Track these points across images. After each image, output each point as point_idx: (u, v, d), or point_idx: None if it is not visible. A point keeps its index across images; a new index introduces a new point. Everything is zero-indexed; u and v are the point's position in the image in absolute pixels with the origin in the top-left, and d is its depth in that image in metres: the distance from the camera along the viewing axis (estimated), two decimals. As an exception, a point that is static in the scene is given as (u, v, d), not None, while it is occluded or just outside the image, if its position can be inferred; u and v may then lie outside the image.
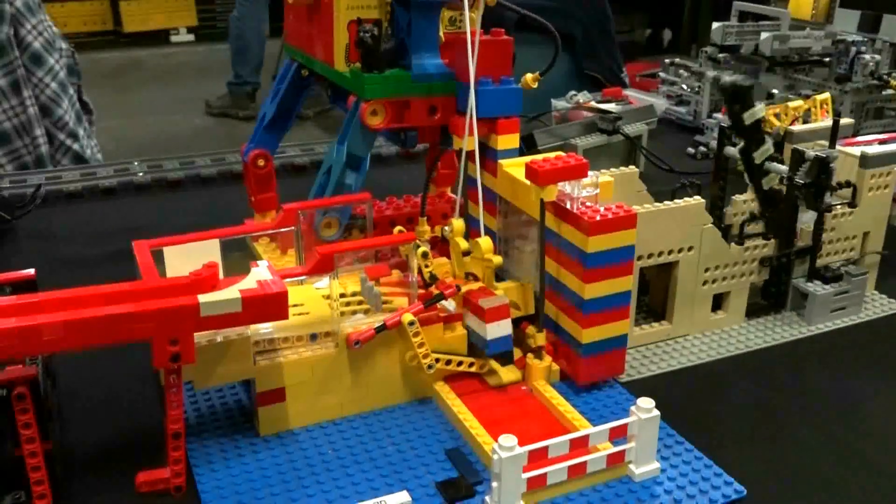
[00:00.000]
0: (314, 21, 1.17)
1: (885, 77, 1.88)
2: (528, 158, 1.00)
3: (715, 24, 1.91)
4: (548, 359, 1.00)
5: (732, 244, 1.11)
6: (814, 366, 1.09)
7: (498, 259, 0.98)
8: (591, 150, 1.63)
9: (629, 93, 2.11)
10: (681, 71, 2.09)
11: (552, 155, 0.98)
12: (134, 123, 5.58)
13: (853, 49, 1.88)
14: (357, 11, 1.09)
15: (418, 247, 0.97)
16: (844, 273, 1.18)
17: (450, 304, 0.98)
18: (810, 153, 1.10)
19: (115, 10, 7.28)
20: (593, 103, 2.02)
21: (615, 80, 3.65)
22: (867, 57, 1.85)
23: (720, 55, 1.96)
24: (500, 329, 0.96)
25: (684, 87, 2.06)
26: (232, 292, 0.78)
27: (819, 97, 1.67)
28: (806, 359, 1.11)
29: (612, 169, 1.17)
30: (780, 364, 1.09)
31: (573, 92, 2.03)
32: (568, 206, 0.94)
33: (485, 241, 0.97)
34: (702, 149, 1.86)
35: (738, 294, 1.14)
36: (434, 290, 0.95)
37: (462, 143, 1.03)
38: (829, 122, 1.31)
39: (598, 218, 0.92)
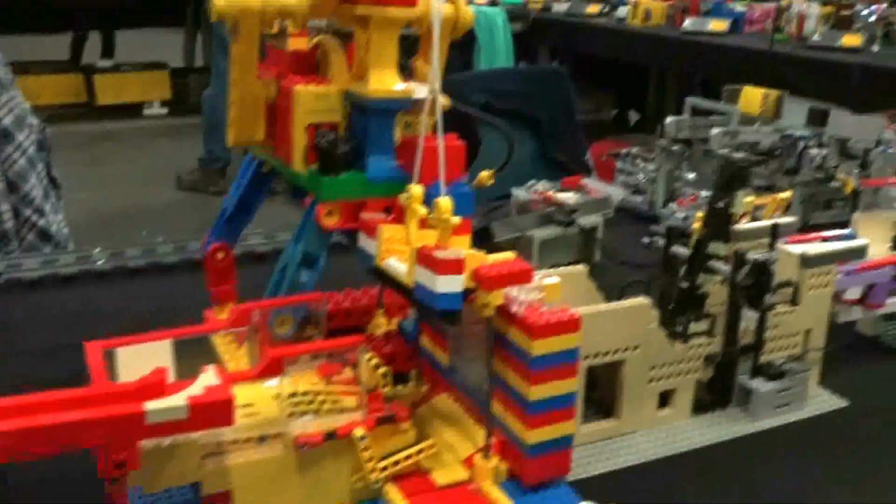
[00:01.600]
0: (273, 121, 1.21)
1: (831, 171, 1.95)
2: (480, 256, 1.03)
3: (669, 119, 1.98)
4: (495, 458, 1.01)
5: (677, 342, 1.15)
6: (759, 464, 1.12)
7: (455, 219, 0.96)
8: (547, 241, 1.67)
9: (588, 182, 2.16)
10: (637, 161, 2.16)
11: (501, 257, 1.01)
12: (105, 196, 5.59)
13: (800, 144, 1.95)
14: (316, 115, 1.12)
15: (366, 352, 0.99)
16: (787, 370, 1.21)
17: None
18: (750, 256, 1.14)
19: (89, 83, 7.35)
20: (552, 193, 2.08)
21: (579, 164, 3.75)
22: (814, 151, 1.93)
23: (674, 147, 2.03)
24: (451, 283, 0.91)
25: (640, 176, 2.12)
26: (178, 399, 0.79)
27: (781, 195, 1.72)
28: (751, 456, 1.13)
29: (560, 268, 1.20)
30: (726, 462, 1.12)
31: (533, 181, 2.09)
32: (513, 310, 0.97)
33: (444, 201, 0.95)
34: (656, 239, 1.90)
35: (684, 390, 1.17)
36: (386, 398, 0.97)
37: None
38: (785, 218, 1.37)
39: (542, 322, 0.95)
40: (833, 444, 1.16)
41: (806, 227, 2.01)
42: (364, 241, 1.04)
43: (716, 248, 1.18)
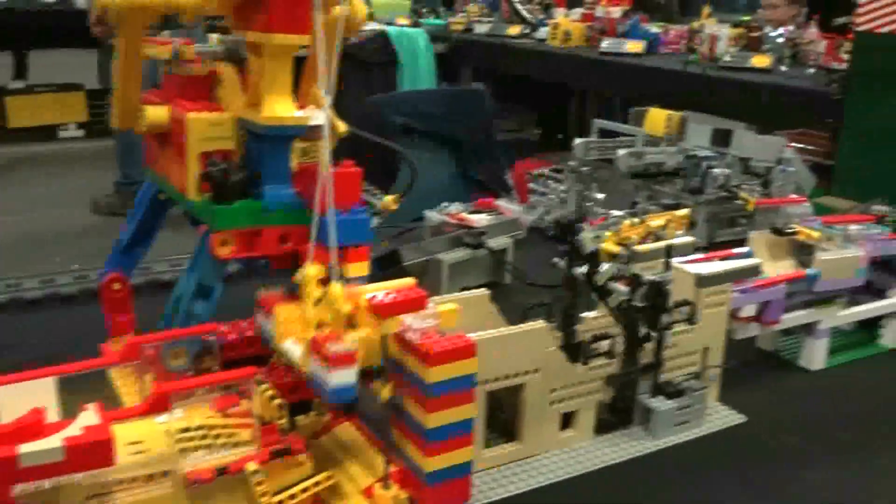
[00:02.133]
0: (169, 148, 1.18)
1: (733, 189, 2.00)
2: (378, 284, 1.02)
3: (577, 141, 2.01)
4: (394, 487, 1.00)
5: (577, 364, 1.16)
6: (660, 481, 1.13)
7: (347, 306, 0.96)
8: (456, 264, 1.68)
9: (501, 203, 2.18)
10: (548, 181, 2.18)
11: (397, 284, 1.01)
12: (18, 220, 5.41)
13: (704, 163, 2.00)
14: (209, 143, 1.11)
15: (261, 383, 0.98)
16: (686, 388, 1.23)
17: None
18: (646, 277, 1.16)
19: (1, 105, 7.12)
20: (465, 215, 2.08)
21: (499, 183, 3.78)
22: (717, 171, 1.98)
23: (583, 168, 2.06)
24: (343, 377, 0.90)
25: (552, 197, 2.14)
26: (53, 441, 0.76)
27: (679, 213, 1.76)
28: (652, 474, 1.15)
29: (462, 292, 1.20)
30: (628, 480, 1.13)
31: (445, 203, 2.09)
32: (408, 338, 0.96)
33: (335, 288, 0.95)
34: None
35: (586, 411, 1.18)
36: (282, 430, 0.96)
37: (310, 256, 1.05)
38: (675, 240, 1.40)
39: (437, 349, 0.94)
40: (731, 459, 1.19)
41: (711, 245, 2.06)
42: (262, 319, 1.03)
43: (606, 272, 1.19)
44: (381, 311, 0.94)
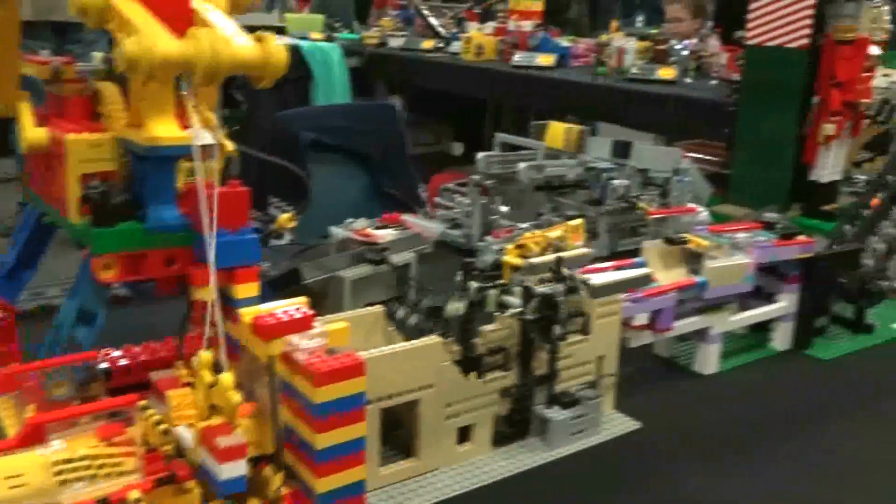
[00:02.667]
0: (50, 170, 1.15)
1: (632, 200, 2.05)
2: (269, 305, 1.01)
3: (479, 155, 2.03)
4: (287, 510, 0.99)
5: (473, 378, 1.16)
6: (556, 492, 1.15)
7: (237, 397, 0.96)
8: (359, 281, 1.67)
9: (407, 218, 2.18)
10: (454, 195, 2.19)
11: (282, 304, 1.00)
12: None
13: (604, 175, 2.04)
14: (90, 164, 1.08)
15: (146, 409, 0.95)
16: (581, 397, 1.25)
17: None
18: (537, 290, 1.17)
19: None
20: (370, 230, 2.08)
21: (412, 198, 3.78)
22: (616, 182, 2.02)
23: (487, 182, 2.07)
24: (234, 469, 0.92)
25: (457, 210, 2.15)
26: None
27: (573, 223, 1.79)
28: (549, 485, 1.16)
29: (357, 310, 1.20)
30: (526, 492, 1.14)
31: (350, 220, 2.08)
32: (296, 358, 0.96)
33: (226, 378, 0.95)
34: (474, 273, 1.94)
35: (482, 424, 1.19)
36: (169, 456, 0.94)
37: (199, 293, 1.03)
38: (570, 252, 1.42)
39: (324, 369, 0.94)
40: (626, 466, 1.21)
41: (614, 254, 2.10)
42: (155, 401, 1.02)
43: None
44: (266, 333, 0.93)
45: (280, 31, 6.42)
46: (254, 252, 1.09)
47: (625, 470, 1.21)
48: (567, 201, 2.13)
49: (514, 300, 1.20)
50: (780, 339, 1.59)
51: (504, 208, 2.11)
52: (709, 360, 1.48)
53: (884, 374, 1.55)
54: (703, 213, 2.27)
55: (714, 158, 2.59)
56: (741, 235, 1.50)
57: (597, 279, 1.27)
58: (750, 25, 2.27)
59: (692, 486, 1.18)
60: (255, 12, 7.14)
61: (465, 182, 2.23)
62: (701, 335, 1.48)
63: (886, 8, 2.12)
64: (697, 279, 1.41)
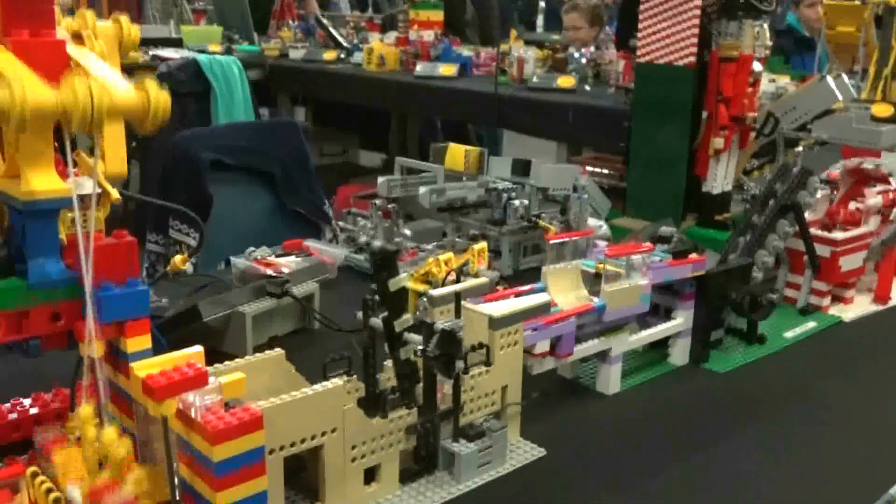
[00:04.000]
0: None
1: (533, 219, 2.08)
2: (162, 358, 0.99)
3: (380, 179, 2.03)
4: (188, 571, 0.97)
5: (377, 418, 1.16)
6: (462, 527, 1.15)
7: (122, 451, 0.94)
8: (261, 315, 1.64)
9: (311, 243, 2.16)
10: (358, 219, 2.19)
11: (174, 357, 0.98)
12: None
13: (504, 195, 2.07)
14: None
15: (36, 475, 0.92)
16: (486, 429, 1.26)
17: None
18: (438, 326, 1.17)
19: None
20: (272, 259, 2.05)
21: (318, 214, 3.76)
22: (516, 203, 2.05)
23: (390, 206, 2.07)
24: None
25: (361, 235, 2.14)
26: None
27: (476, 246, 1.80)
28: (457, 520, 1.17)
29: (256, 355, 1.18)
30: (432, 529, 1.14)
31: (251, 248, 2.05)
32: (192, 416, 0.93)
33: (108, 433, 0.93)
34: (377, 298, 1.93)
35: (388, 463, 1.18)
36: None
37: (86, 348, 1.00)
38: (476, 280, 1.43)
39: (221, 426, 0.92)
40: (531, 496, 1.22)
41: (516, 272, 2.13)
42: (43, 460, 0.99)
43: (405, 321, 1.21)
44: (157, 395, 0.91)
45: (177, 43, 6.28)
46: (143, 304, 1.06)
47: (532, 499, 1.22)
48: (469, 221, 2.15)
49: (416, 336, 1.20)
50: (679, 354, 1.64)
51: (407, 231, 2.11)
52: (611, 381, 1.51)
53: (774, 383, 1.61)
54: (603, 228, 2.32)
55: (612, 172, 2.65)
56: (636, 257, 1.53)
57: (497, 309, 1.28)
58: (640, 44, 2.33)
59: (598, 511, 1.20)
60: (150, 24, 6.97)
61: (371, 194, 2.22)
62: (602, 356, 1.51)
63: (766, 26, 2.20)
64: (595, 303, 1.43)
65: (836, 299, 1.97)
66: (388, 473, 1.19)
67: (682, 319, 1.62)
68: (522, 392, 1.35)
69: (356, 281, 2.10)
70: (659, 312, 1.65)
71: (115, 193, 1.13)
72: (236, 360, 1.16)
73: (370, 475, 1.18)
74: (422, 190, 1.95)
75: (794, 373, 1.66)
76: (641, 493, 1.24)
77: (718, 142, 2.29)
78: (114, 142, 1.09)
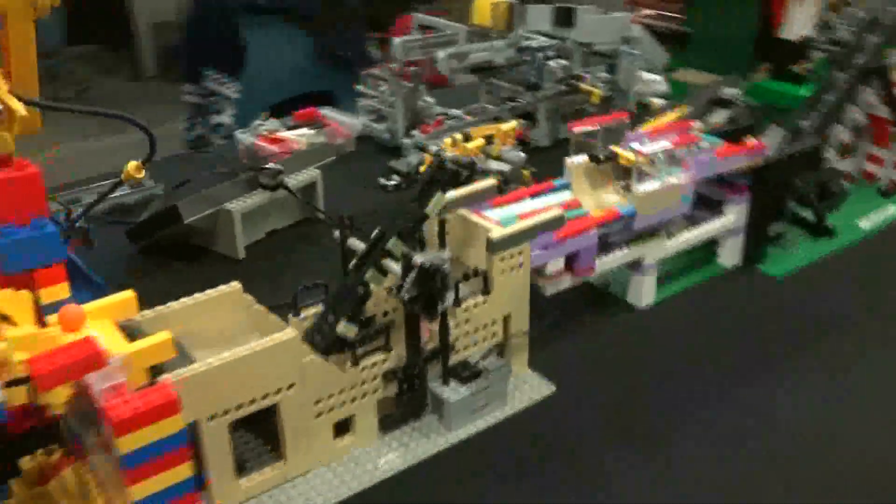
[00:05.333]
0: None
1: (573, 82, 1.80)
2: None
3: (395, 40, 1.77)
4: (112, 563, 0.85)
5: (348, 365, 0.99)
6: (456, 485, 1.00)
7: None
8: (253, 212, 1.47)
9: (326, 112, 1.94)
10: (379, 84, 1.95)
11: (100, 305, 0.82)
12: None
13: (539, 55, 1.79)
14: None
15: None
16: (483, 369, 1.08)
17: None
18: (417, 259, 0.98)
19: None
20: (281, 133, 1.85)
21: (360, 57, 3.49)
22: (552, 64, 1.78)
23: (411, 69, 1.82)
24: None
25: (381, 102, 1.91)
26: None
27: (504, 126, 1.57)
28: (446, 476, 1.01)
29: (196, 295, 1.00)
30: (417, 488, 0.99)
31: (258, 121, 1.85)
32: (93, 401, 0.78)
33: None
34: (395, 178, 1.73)
35: (364, 415, 1.03)
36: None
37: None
38: (481, 184, 1.21)
39: (127, 414, 0.76)
40: (535, 446, 1.05)
41: (556, 142, 1.89)
42: None
43: (395, 245, 1.01)
44: (42, 384, 0.75)
45: None
46: (55, 248, 0.90)
47: (532, 451, 1.05)
48: (502, 83, 1.89)
49: (396, 267, 1.01)
50: (729, 253, 1.42)
51: (430, 98, 1.88)
52: (643, 292, 1.31)
53: (844, 290, 1.37)
54: (659, 83, 2.04)
55: (674, 15, 2.31)
56: (678, 151, 1.27)
57: (497, 228, 1.07)
58: None
59: (609, 466, 1.02)
60: None
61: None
62: (633, 265, 1.29)
63: None
64: (623, 209, 1.20)
65: (927, 176, 1.68)
66: (365, 424, 1.03)
67: (733, 216, 1.38)
68: (532, 317, 1.15)
69: (373, 154, 1.90)
70: (704, 204, 1.41)
71: (21, 110, 0.94)
72: (182, 300, 1.00)
73: (344, 426, 1.03)
74: (440, 54, 1.69)
75: (869, 276, 1.41)
76: (665, 447, 1.05)
77: (799, -21, 1.94)
78: (23, 58, 0.94)
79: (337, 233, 1.07)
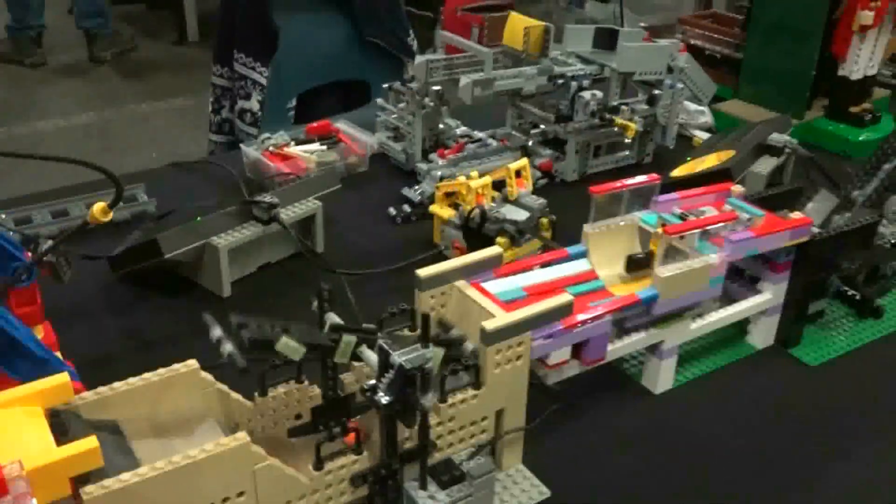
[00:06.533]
0: None
1: (607, 116, 1.66)
2: None
3: (417, 59, 1.64)
4: None
5: (309, 470, 0.88)
6: None
7: None
8: (242, 247, 1.35)
9: (341, 126, 1.82)
10: (401, 96, 1.81)
11: None
12: None
13: (573, 85, 1.65)
14: None
15: None
16: (467, 472, 0.96)
17: None
18: (395, 358, 0.85)
19: None
20: (292, 148, 1.74)
21: (401, 48, 3.35)
22: (586, 95, 1.63)
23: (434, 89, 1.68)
24: None
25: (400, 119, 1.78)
26: None
27: (514, 165, 1.44)
28: None
29: (146, 375, 0.89)
30: None
31: (267, 134, 1.74)
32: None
33: None
34: (406, 208, 1.60)
35: (327, 521, 0.91)
36: None
37: None
38: (482, 252, 1.09)
39: (25, 552, 0.66)
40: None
41: (584, 178, 1.75)
42: None
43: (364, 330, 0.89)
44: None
45: None
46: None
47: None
48: (533, 110, 1.76)
49: (373, 357, 0.89)
50: (761, 333, 1.27)
51: (452, 121, 1.75)
52: (660, 378, 1.17)
53: (890, 382, 1.23)
54: (705, 115, 1.88)
55: (728, 39, 2.13)
56: (713, 226, 1.13)
57: (490, 322, 0.94)
58: None
59: None
60: None
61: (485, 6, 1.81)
62: (651, 348, 1.16)
63: None
64: (642, 293, 1.07)
65: None
66: (327, 530, 0.92)
67: (770, 295, 1.23)
68: (530, 405, 1.02)
69: (387, 176, 1.77)
70: (740, 274, 1.27)
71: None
72: (129, 380, 0.89)
73: (303, 530, 0.91)
74: (463, 80, 1.55)
75: (913, 367, 1.27)
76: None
77: (867, 15, 1.77)
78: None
79: (315, 304, 0.95)
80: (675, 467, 1.07)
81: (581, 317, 1.02)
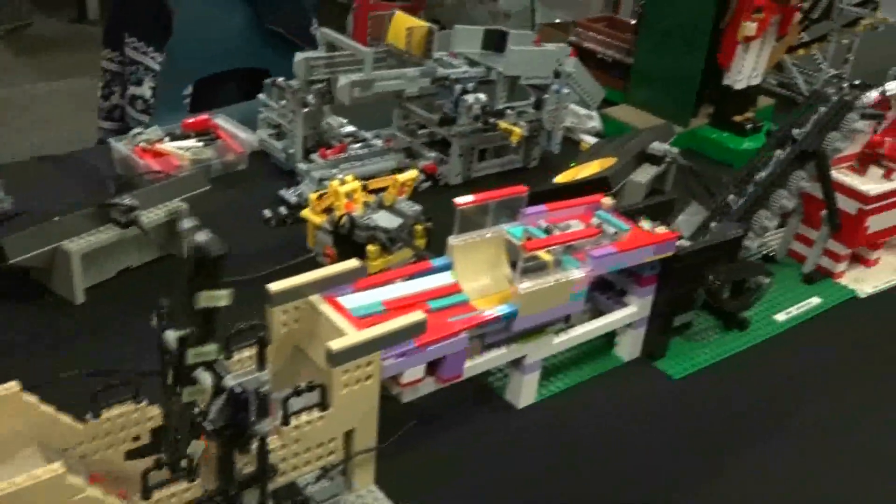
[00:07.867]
0: None
1: (491, 120, 1.64)
2: None
3: (298, 56, 1.58)
4: None
5: (137, 498, 0.83)
6: None
7: None
8: (98, 251, 1.29)
9: (220, 122, 1.76)
10: (283, 95, 1.74)
11: None
12: None
13: (457, 88, 1.62)
14: None
15: None
16: (310, 498, 0.93)
17: None
18: (227, 382, 0.81)
19: None
20: (166, 144, 1.67)
21: (303, 37, 3.26)
22: (469, 98, 1.61)
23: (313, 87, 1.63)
24: None
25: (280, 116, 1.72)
26: None
27: (402, 176, 1.41)
28: None
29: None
30: None
31: (138, 129, 1.66)
32: None
33: None
34: (282, 210, 1.55)
35: (158, 549, 0.87)
36: None
37: None
38: (344, 264, 1.05)
39: None
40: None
41: (468, 182, 1.73)
42: None
43: (203, 353, 0.85)
44: None
45: None
46: None
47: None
48: (419, 111, 1.73)
49: (207, 379, 0.84)
50: (627, 345, 1.28)
51: (333, 121, 1.71)
52: (522, 392, 1.16)
53: (749, 395, 1.24)
54: (593, 119, 1.89)
55: (620, 44, 2.14)
56: (577, 241, 1.12)
57: (338, 342, 0.91)
58: None
59: None
60: None
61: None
62: (514, 363, 1.15)
63: None
64: (501, 310, 1.05)
65: (856, 260, 1.55)
66: (158, 561, 0.87)
67: (636, 308, 1.23)
68: (383, 422, 1.00)
69: (267, 176, 1.72)
70: (608, 286, 1.27)
71: None
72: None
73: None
74: (341, 81, 1.51)
75: (780, 378, 1.28)
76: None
77: (750, 27, 1.79)
78: None
79: (154, 322, 0.90)
80: (536, 482, 1.06)
81: (432, 333, 0.99)
